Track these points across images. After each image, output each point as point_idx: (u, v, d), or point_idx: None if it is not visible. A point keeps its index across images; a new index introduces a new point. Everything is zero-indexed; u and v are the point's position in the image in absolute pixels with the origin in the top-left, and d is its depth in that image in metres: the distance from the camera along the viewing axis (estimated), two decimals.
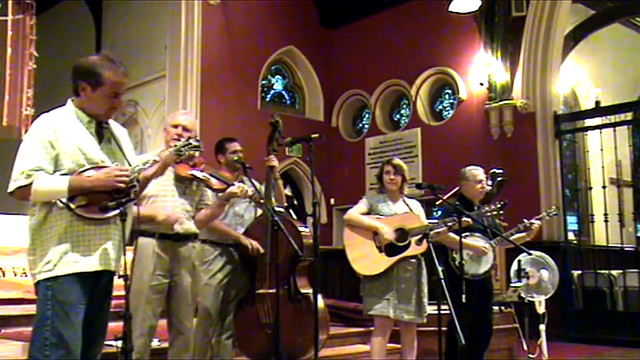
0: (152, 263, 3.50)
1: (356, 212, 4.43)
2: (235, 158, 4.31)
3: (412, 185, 4.83)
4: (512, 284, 5.13)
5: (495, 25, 9.11)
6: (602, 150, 8.51)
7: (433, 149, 10.01)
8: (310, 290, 4.14)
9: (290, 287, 4.19)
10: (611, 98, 10.40)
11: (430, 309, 4.38)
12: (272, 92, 11.20)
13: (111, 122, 2.83)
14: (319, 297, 3.94)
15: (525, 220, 4.81)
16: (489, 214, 4.50)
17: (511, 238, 4.66)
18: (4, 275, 6.21)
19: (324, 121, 11.37)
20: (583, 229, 9.56)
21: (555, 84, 9.01)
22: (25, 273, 6.19)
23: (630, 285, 8.24)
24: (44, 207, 2.62)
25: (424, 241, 4.11)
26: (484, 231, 4.64)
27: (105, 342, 2.81)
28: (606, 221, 8.38)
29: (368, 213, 4.43)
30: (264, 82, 10.87)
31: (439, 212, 5.05)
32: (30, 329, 2.68)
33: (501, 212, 4.51)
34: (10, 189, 2.60)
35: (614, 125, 8.64)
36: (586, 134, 9.36)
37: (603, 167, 8.50)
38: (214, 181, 3.66)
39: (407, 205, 4.48)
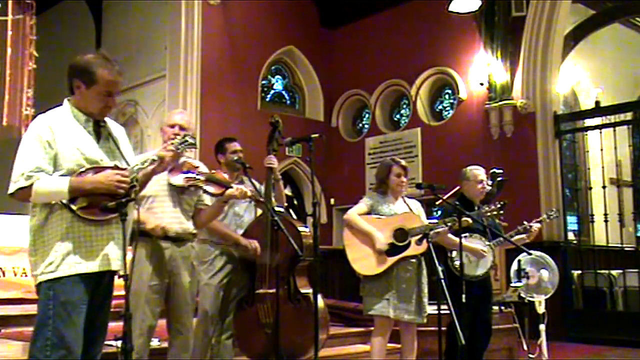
0: (150, 263, 3.50)
1: (356, 212, 4.43)
2: (235, 158, 4.31)
3: (412, 185, 4.83)
4: (512, 284, 5.14)
5: (495, 25, 9.11)
6: (602, 150, 8.51)
7: (433, 149, 10.02)
8: (310, 290, 4.14)
9: (290, 287, 4.19)
10: (611, 98, 10.39)
11: (430, 309, 4.38)
12: (272, 92, 11.20)
13: (109, 121, 2.83)
14: (319, 297, 3.94)
15: (525, 223, 4.81)
16: (489, 214, 4.50)
17: (507, 242, 4.66)
18: (4, 275, 6.22)
19: (324, 121, 11.38)
20: (583, 229, 9.56)
21: (555, 84, 9.01)
22: (25, 273, 6.19)
23: (630, 285, 8.24)
24: (44, 208, 2.62)
25: (424, 241, 4.11)
26: (484, 231, 4.64)
27: (105, 342, 2.81)
28: (606, 221, 8.38)
29: (368, 213, 4.42)
30: (264, 82, 10.87)
31: (439, 212, 5.05)
32: (30, 329, 2.68)
33: (501, 212, 4.51)
34: (10, 191, 2.61)
35: (614, 125, 8.64)
36: (586, 134, 9.36)
37: (603, 167, 8.50)
38: (209, 189, 3.63)
39: (407, 205, 4.48)
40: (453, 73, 9.91)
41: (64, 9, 12.04)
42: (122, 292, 2.59)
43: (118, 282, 2.72)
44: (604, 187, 8.48)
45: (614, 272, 8.62)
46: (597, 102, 9.93)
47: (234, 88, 10.03)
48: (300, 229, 4.28)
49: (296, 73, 11.43)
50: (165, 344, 3.76)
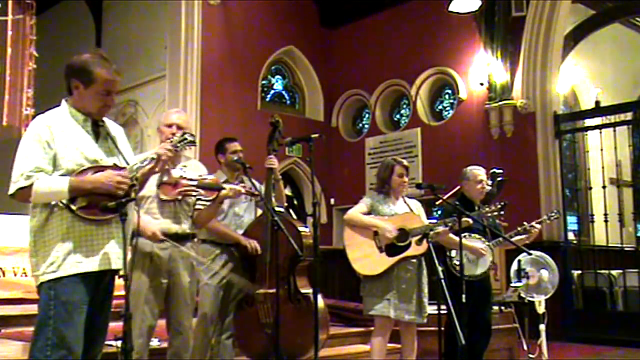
0: (151, 263, 3.50)
1: (357, 211, 4.43)
2: (235, 158, 4.31)
3: (412, 185, 4.83)
4: (512, 284, 5.14)
5: (495, 25, 9.11)
6: (602, 150, 8.51)
7: (433, 149, 10.02)
8: (310, 290, 4.14)
9: (290, 287, 4.19)
10: (611, 98, 10.40)
11: (430, 309, 4.38)
12: (272, 92, 11.20)
13: (107, 120, 2.84)
14: (319, 297, 3.94)
15: (525, 223, 4.81)
16: (489, 214, 4.51)
17: (507, 243, 4.66)
18: (4, 275, 6.22)
19: (324, 121, 11.37)
20: (583, 229, 9.56)
21: (555, 84, 9.01)
22: (25, 273, 6.19)
23: (630, 285, 8.24)
24: (45, 208, 2.62)
25: (424, 241, 4.11)
26: (484, 232, 4.64)
27: (105, 342, 2.81)
28: (606, 221, 8.38)
29: (369, 213, 4.42)
30: (264, 82, 10.87)
31: (439, 212, 5.05)
32: (30, 329, 2.69)
33: (502, 212, 4.51)
34: (10, 191, 2.61)
35: (614, 125, 8.63)
36: (586, 134, 9.35)
37: (603, 167, 8.50)
38: (202, 196, 3.61)
39: (407, 205, 4.49)
40: (453, 73, 9.91)
41: (64, 9, 12.04)
42: (122, 292, 2.59)
43: (118, 282, 2.72)
44: (604, 187, 8.48)
45: (614, 272, 8.62)
46: (597, 102, 9.93)
47: (234, 88, 10.02)
48: (300, 229, 4.28)
49: (296, 73, 11.43)
50: (165, 344, 3.75)
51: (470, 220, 4.27)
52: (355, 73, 11.16)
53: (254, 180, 4.17)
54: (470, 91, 9.66)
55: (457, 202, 4.52)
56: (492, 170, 5.94)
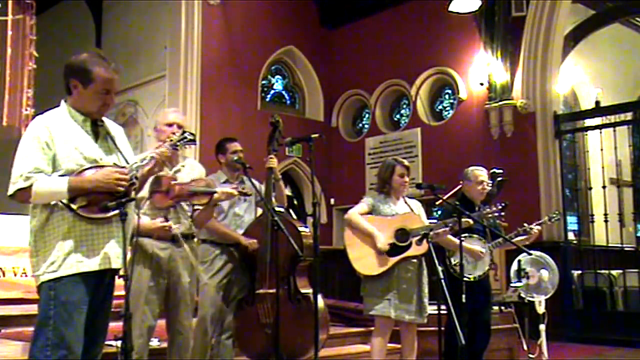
0: (151, 263, 3.50)
1: (357, 212, 4.43)
2: (236, 158, 4.31)
3: (412, 185, 4.83)
4: (512, 284, 5.13)
5: (495, 25, 9.11)
6: (602, 150, 8.51)
7: (433, 149, 10.02)
8: (310, 290, 4.14)
9: (290, 287, 4.19)
10: (611, 98, 10.39)
11: (430, 309, 4.38)
12: (272, 92, 11.20)
13: (107, 120, 2.83)
14: (319, 297, 3.94)
15: (525, 224, 4.81)
16: (490, 215, 4.51)
17: (507, 243, 4.66)
18: (4, 275, 6.22)
19: (324, 121, 11.37)
20: (583, 229, 9.56)
21: (555, 84, 9.01)
22: (25, 273, 6.20)
23: (630, 285, 8.24)
24: (45, 208, 2.62)
25: (424, 241, 4.11)
26: (484, 232, 4.64)
27: (105, 342, 2.81)
28: (606, 221, 8.38)
29: (369, 213, 4.42)
30: (264, 82, 10.87)
31: (439, 212, 5.05)
32: (30, 329, 2.69)
33: (502, 213, 4.52)
34: (10, 192, 2.61)
35: (614, 125, 8.64)
36: (586, 134, 9.36)
37: (603, 167, 8.50)
38: (196, 201, 3.61)
39: (408, 205, 4.49)
40: (453, 73, 9.91)
41: (64, 9, 12.03)
42: (123, 292, 2.59)
43: (118, 282, 2.72)
44: (604, 187, 8.47)
45: (614, 272, 8.62)
46: (597, 102, 9.93)
47: (234, 88, 10.02)
48: (300, 229, 4.28)
49: (296, 73, 11.42)
50: (165, 344, 3.75)
51: (471, 221, 4.27)
52: (355, 73, 11.16)
53: (254, 180, 4.17)
54: (470, 91, 9.66)
55: (458, 203, 4.52)
56: (492, 170, 5.93)
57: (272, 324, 3.95)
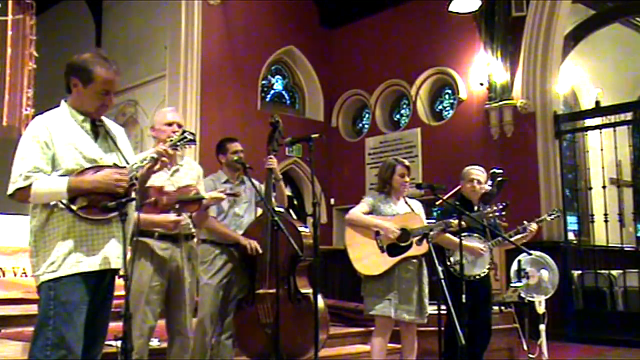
0: (151, 264, 3.50)
1: (358, 211, 4.43)
2: (236, 158, 4.31)
3: (412, 185, 4.83)
4: (512, 284, 5.13)
5: (495, 25, 9.11)
6: (602, 150, 8.51)
7: (433, 149, 10.02)
8: (310, 290, 4.14)
9: (290, 287, 4.19)
10: (611, 98, 10.40)
11: (430, 309, 4.38)
12: (272, 92, 11.20)
13: (107, 120, 2.83)
14: (319, 297, 3.94)
15: (525, 222, 4.81)
16: (490, 215, 4.50)
17: (507, 242, 4.66)
18: (4, 275, 6.21)
19: (324, 121, 11.37)
20: (583, 229, 9.56)
21: (555, 84, 9.01)
22: (25, 273, 6.19)
23: (630, 285, 8.24)
24: (45, 209, 2.62)
25: (425, 241, 4.11)
26: (483, 232, 4.64)
27: (105, 342, 2.81)
28: (606, 221, 8.38)
29: (370, 213, 4.42)
30: (264, 82, 10.87)
31: (438, 212, 5.05)
32: (30, 329, 2.69)
33: (503, 213, 4.51)
34: (9, 192, 2.61)
35: (614, 125, 8.64)
36: (586, 134, 9.36)
37: (603, 167, 8.50)
38: (186, 210, 3.61)
39: (408, 205, 4.49)
40: (453, 73, 9.91)
41: (64, 9, 12.03)
42: (122, 292, 2.59)
43: (118, 282, 2.72)
44: (604, 187, 8.48)
45: (614, 272, 8.62)
46: (597, 102, 9.94)
47: (234, 88, 10.02)
48: (300, 229, 4.28)
49: (296, 73, 11.43)
50: (165, 344, 3.75)
51: (457, 221, 4.25)
52: (355, 73, 11.16)
53: (254, 180, 4.17)
54: (470, 91, 9.66)
55: (457, 203, 4.52)
56: (492, 170, 5.92)
57: (272, 324, 3.95)
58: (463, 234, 4.16)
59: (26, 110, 8.54)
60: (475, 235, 4.59)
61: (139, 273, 3.44)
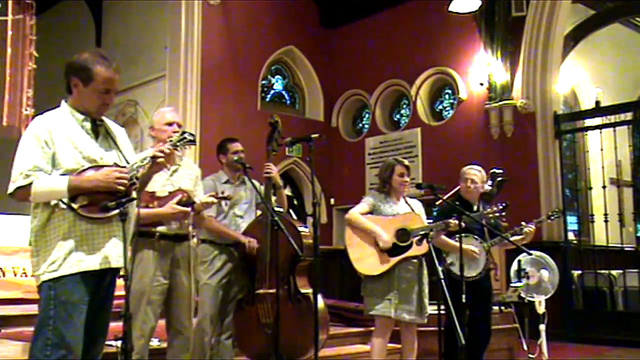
0: (152, 264, 3.50)
1: (358, 212, 4.42)
2: (236, 158, 4.31)
3: (412, 185, 4.83)
4: (512, 284, 5.13)
5: (495, 25, 9.11)
6: (602, 150, 8.51)
7: (433, 149, 10.02)
8: (310, 290, 4.14)
9: (290, 287, 4.18)
10: (611, 98, 10.40)
11: (430, 309, 4.38)
12: (272, 92, 11.20)
13: (108, 120, 2.84)
14: (319, 297, 3.94)
15: (523, 223, 4.80)
16: (490, 215, 4.50)
17: (506, 241, 4.66)
18: (4, 275, 6.21)
19: (324, 121, 11.37)
20: (583, 229, 9.56)
21: (555, 84, 9.01)
22: (25, 273, 6.19)
23: (630, 285, 8.24)
24: (46, 208, 2.62)
25: (424, 241, 4.11)
26: (481, 232, 4.64)
27: (105, 342, 2.81)
28: (606, 221, 8.38)
29: (370, 213, 4.42)
30: (264, 82, 10.87)
31: (435, 212, 5.05)
32: (30, 329, 2.68)
33: (503, 213, 4.51)
34: (10, 190, 2.61)
35: (614, 125, 8.64)
36: (586, 134, 9.37)
37: (603, 167, 8.50)
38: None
39: (409, 205, 4.48)
40: (453, 73, 9.91)
41: (64, 9, 12.04)
42: (122, 292, 2.59)
43: (119, 282, 2.72)
44: (604, 187, 8.48)
45: (614, 272, 8.62)
46: (597, 102, 9.93)
47: (234, 88, 10.02)
48: (300, 229, 4.28)
49: (296, 73, 11.42)
50: (165, 344, 3.75)
51: (456, 221, 4.25)
52: (355, 73, 11.16)
53: (254, 181, 4.17)
54: (470, 91, 9.66)
55: (457, 203, 4.53)
56: (492, 170, 5.93)
57: (272, 324, 3.95)
58: (458, 235, 4.16)
59: (26, 110, 8.55)
60: (472, 236, 4.58)
61: (140, 273, 3.44)
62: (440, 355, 4.12)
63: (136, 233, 3.21)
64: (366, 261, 4.33)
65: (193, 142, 3.07)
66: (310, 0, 11.30)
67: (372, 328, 4.51)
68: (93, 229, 2.62)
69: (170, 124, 3.68)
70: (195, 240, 3.80)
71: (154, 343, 3.97)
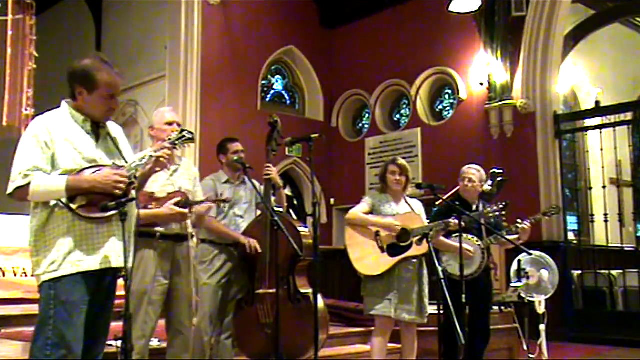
0: (153, 264, 3.50)
1: (358, 211, 4.43)
2: (236, 158, 4.32)
3: (412, 185, 4.83)
4: (512, 284, 5.13)
5: (495, 25, 9.11)
6: (602, 150, 8.51)
7: (433, 149, 10.01)
8: (310, 290, 4.14)
9: (290, 287, 4.18)
10: (611, 98, 10.40)
11: (430, 309, 4.38)
12: (272, 92, 11.20)
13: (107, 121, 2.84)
14: (319, 297, 3.94)
15: (518, 221, 4.80)
16: (490, 214, 4.50)
17: (504, 240, 4.65)
18: (4, 275, 6.21)
19: (324, 121, 11.37)
20: (583, 229, 9.56)
21: (555, 84, 9.01)
22: (25, 273, 6.19)
23: (630, 285, 8.24)
24: (45, 208, 2.62)
25: (424, 241, 4.11)
26: (479, 231, 4.63)
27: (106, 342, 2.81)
28: (606, 221, 8.38)
29: (370, 213, 4.42)
30: (264, 82, 10.87)
31: (433, 213, 5.05)
32: (30, 329, 2.69)
33: (503, 212, 4.51)
34: (9, 190, 2.62)
35: (614, 125, 8.64)
36: (586, 134, 9.36)
37: (603, 167, 8.50)
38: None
39: (409, 205, 4.49)
40: (453, 73, 9.91)
41: (64, 9, 12.02)
42: (123, 292, 2.59)
43: (120, 282, 2.72)
44: (604, 187, 8.48)
45: (614, 272, 8.62)
46: (597, 102, 9.94)
47: (234, 88, 10.02)
48: (300, 229, 4.28)
49: (296, 73, 11.42)
50: (165, 344, 3.75)
51: (456, 222, 4.25)
52: (355, 73, 11.15)
53: (254, 181, 4.17)
54: (470, 91, 9.66)
55: (457, 203, 4.52)
56: (492, 170, 5.93)
57: (272, 324, 3.95)
58: (454, 235, 4.16)
59: (26, 110, 8.55)
60: (469, 236, 4.57)
61: (141, 274, 3.44)
62: (440, 355, 4.12)
63: (136, 233, 3.21)
64: (366, 261, 4.33)
65: (192, 140, 3.07)
66: (310, 0, 11.29)
67: (372, 328, 4.51)
68: (92, 229, 2.62)
69: (170, 124, 3.68)
70: (195, 240, 3.80)
71: (154, 343, 3.97)
